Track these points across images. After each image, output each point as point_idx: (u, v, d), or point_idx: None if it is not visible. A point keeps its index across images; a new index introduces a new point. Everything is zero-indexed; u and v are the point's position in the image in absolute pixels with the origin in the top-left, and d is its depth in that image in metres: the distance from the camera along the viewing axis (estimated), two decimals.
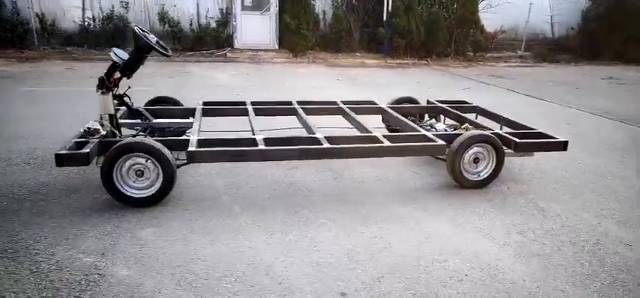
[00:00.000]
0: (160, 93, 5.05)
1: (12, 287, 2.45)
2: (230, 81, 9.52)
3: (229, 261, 2.73)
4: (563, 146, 4.00)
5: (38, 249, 2.81)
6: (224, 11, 14.72)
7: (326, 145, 3.61)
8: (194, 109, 4.71)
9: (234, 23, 14.75)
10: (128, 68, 3.66)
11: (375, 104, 5.27)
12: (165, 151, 3.35)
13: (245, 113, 4.84)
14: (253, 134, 3.90)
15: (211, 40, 14.39)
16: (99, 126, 3.57)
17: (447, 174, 4.06)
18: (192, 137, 3.63)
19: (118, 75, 3.63)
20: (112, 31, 13.90)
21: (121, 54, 3.67)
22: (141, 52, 3.66)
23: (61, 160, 3.20)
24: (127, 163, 3.32)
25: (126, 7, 14.08)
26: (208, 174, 4.06)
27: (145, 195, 3.39)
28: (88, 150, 3.27)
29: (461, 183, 3.91)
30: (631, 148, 5.41)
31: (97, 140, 3.49)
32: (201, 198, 3.60)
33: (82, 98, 7.23)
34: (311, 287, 2.51)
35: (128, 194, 3.36)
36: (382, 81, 10.12)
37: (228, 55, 13.64)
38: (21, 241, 2.89)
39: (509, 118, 4.75)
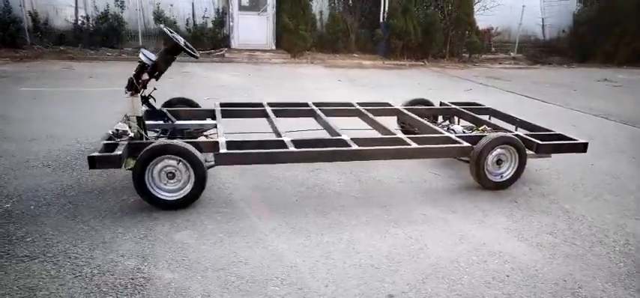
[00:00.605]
0: (163, 95, 5.01)
1: (58, 291, 2.43)
2: (231, 81, 9.49)
3: (271, 264, 2.74)
4: (583, 147, 4.09)
5: (77, 253, 2.78)
6: (220, 11, 14.65)
7: (355, 147, 3.64)
8: (212, 111, 4.70)
9: (231, 23, 14.70)
10: (157, 69, 3.63)
11: (391, 106, 5.31)
12: (198, 153, 3.34)
13: (263, 114, 4.85)
14: (279, 136, 3.91)
15: (208, 40, 14.31)
16: (127, 128, 3.54)
17: (466, 175, 4.12)
18: (221, 139, 3.62)
19: (146, 76, 3.60)
20: (106, 30, 13.74)
21: (149, 55, 3.64)
22: (170, 53, 3.64)
23: (93, 162, 3.17)
24: (159, 165, 3.31)
25: (121, 6, 13.93)
26: (232, 175, 4.05)
27: (176, 198, 3.38)
28: (120, 153, 3.24)
29: (483, 184, 3.97)
30: (637, 149, 5.53)
31: (125, 142, 3.46)
32: (230, 200, 3.59)
33: (86, 99, 7.16)
34: (358, 289, 2.53)
35: (160, 196, 3.35)
36: (383, 83, 10.18)
37: (226, 55, 13.58)
38: (58, 245, 2.86)
39: (525, 120, 4.82)
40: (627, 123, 6.93)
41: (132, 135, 3.55)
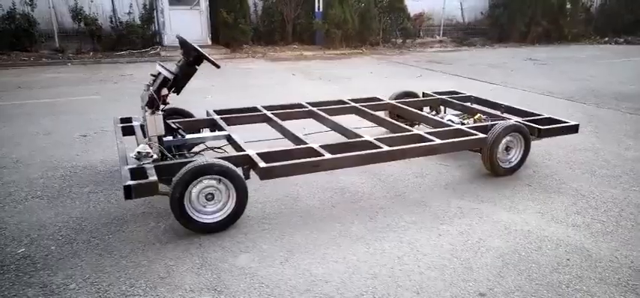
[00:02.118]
0: (115, 102, 4.68)
1: None
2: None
3: (352, 277, 2.69)
4: (575, 129, 4.46)
5: (139, 294, 2.53)
6: (147, 6, 13.77)
7: (386, 148, 3.65)
8: (211, 120, 4.46)
9: (161, 19, 13.90)
10: (178, 83, 3.36)
11: (382, 100, 5.39)
12: (238, 171, 3.16)
13: (264, 119, 4.70)
14: (299, 142, 3.81)
15: (137, 38, 13.42)
16: (150, 150, 3.25)
17: (471, 164, 4.34)
18: (251, 151, 3.45)
19: (165, 91, 3.31)
20: (14, 32, 12.35)
21: (168, 67, 3.35)
22: (193, 64, 3.37)
23: (129, 192, 2.87)
24: (198, 187, 3.08)
25: (31, 4, 12.59)
26: (254, 189, 3.87)
27: (217, 220, 3.18)
28: (155, 178, 2.97)
29: (496, 171, 4.19)
30: (595, 123, 6.14)
31: (150, 165, 3.17)
32: (267, 215, 3.45)
33: (31, 115, 6.41)
34: (448, 292, 2.57)
35: (201, 220, 3.13)
36: (337, 74, 10.25)
37: (162, 54, 12.83)
38: (111, 288, 2.57)
39: (509, 105, 5.14)
40: (571, 100, 7.65)
41: (155, 156, 3.26)
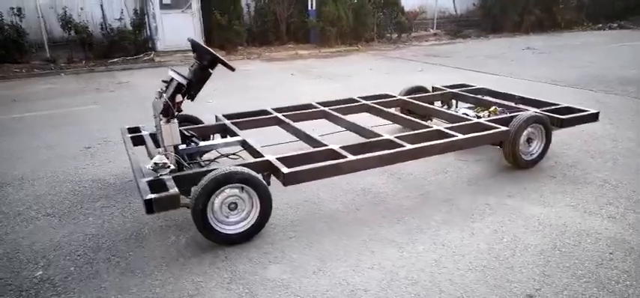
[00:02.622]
0: (115, 112, 4.52)
1: None
2: None
3: (391, 285, 2.57)
4: (595, 117, 4.37)
5: None
6: (138, 11, 13.54)
7: (408, 146, 3.53)
8: (222, 125, 4.31)
9: (153, 24, 13.65)
10: (192, 88, 3.20)
11: (394, 96, 5.27)
12: (261, 178, 3.03)
13: (275, 122, 4.56)
14: (315, 144, 3.68)
15: (130, 45, 13.19)
16: (167, 160, 3.09)
17: (489, 157, 4.25)
18: (270, 156, 3.31)
19: (180, 98, 3.16)
20: (3, 43, 12.07)
21: (181, 72, 3.20)
22: (206, 68, 3.22)
23: (151, 206, 2.72)
24: (220, 197, 2.94)
25: (19, 14, 12.31)
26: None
27: (241, 230, 3.04)
28: (177, 190, 2.82)
29: (518, 164, 4.09)
30: (605, 110, 6.04)
31: (168, 176, 3.02)
32: (291, 221, 3.32)
33: (29, 128, 6.21)
34: (495, 294, 2.46)
35: (225, 231, 2.99)
36: (337, 72, 10.11)
37: (156, 59, 12.61)
38: None
39: (522, 96, 5.05)
40: (576, 87, 7.58)
41: (172, 167, 3.11)
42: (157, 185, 2.96)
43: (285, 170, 3.09)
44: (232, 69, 3.31)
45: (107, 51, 13.12)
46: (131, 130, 4.19)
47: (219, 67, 3.30)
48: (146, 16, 13.66)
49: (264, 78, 9.71)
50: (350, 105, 4.96)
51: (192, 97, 3.23)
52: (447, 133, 3.83)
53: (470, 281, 2.57)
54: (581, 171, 4.07)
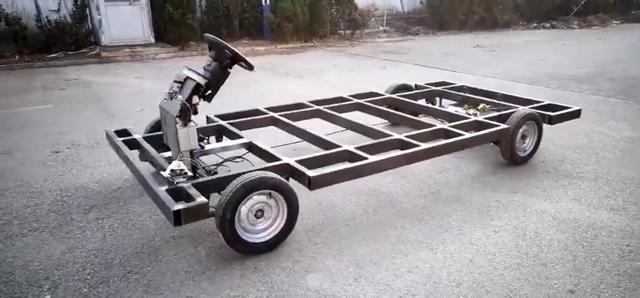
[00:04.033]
0: (76, 112, 4.24)
1: None
2: (145, 86, 8.30)
3: (437, 287, 2.54)
4: (578, 114, 4.61)
5: None
6: (78, 3, 12.62)
7: (423, 146, 3.53)
8: (218, 126, 4.09)
9: (97, 17, 12.78)
10: (211, 89, 2.99)
11: (382, 95, 5.27)
12: (289, 183, 2.90)
13: (270, 122, 4.41)
14: (327, 146, 3.60)
15: (71, 38, 12.27)
16: (184, 167, 2.87)
17: (485, 155, 4.36)
18: (289, 159, 3.18)
19: (196, 99, 2.94)
20: None
21: (197, 71, 2.98)
22: (226, 67, 3.01)
23: (179, 218, 2.51)
24: (247, 204, 2.78)
25: None
26: None
27: (268, 238, 2.89)
28: (205, 199, 2.63)
29: (514, 160, 4.22)
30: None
31: (187, 183, 2.81)
32: (313, 227, 3.22)
33: None
34: (540, 293, 2.51)
35: (253, 241, 2.83)
36: (302, 68, 10.00)
37: (103, 54, 11.82)
38: None
39: (505, 93, 5.24)
40: (537, 85, 8.01)
41: (190, 173, 2.90)
42: (176, 193, 2.75)
43: (310, 173, 2.97)
44: (252, 68, 3.13)
45: (44, 45, 12.11)
46: (120, 133, 3.87)
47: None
48: (88, 8, 12.77)
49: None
50: (342, 104, 4.89)
51: (209, 99, 3.02)
52: (453, 132, 3.87)
53: (511, 280, 2.61)
54: (571, 165, 4.28)
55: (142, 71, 9.92)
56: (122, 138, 3.72)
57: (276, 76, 9.19)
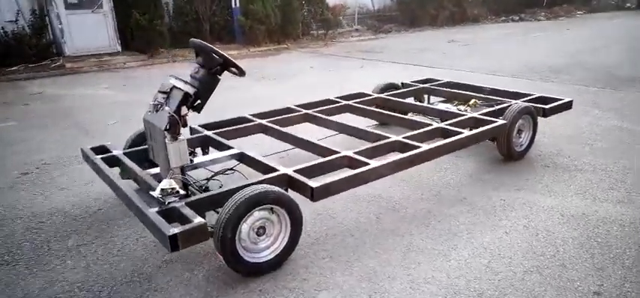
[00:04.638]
0: (43, 129, 3.97)
1: None
2: (114, 97, 7.89)
3: (458, 294, 2.39)
4: (570, 105, 4.57)
5: None
6: (36, 12, 12.00)
7: (425, 147, 3.38)
8: (203, 137, 3.84)
9: (58, 26, 12.19)
10: (200, 99, 2.74)
11: (371, 95, 5.11)
12: (292, 197, 2.69)
13: (259, 129, 4.19)
14: (323, 153, 3.40)
15: (31, 50, 11.64)
16: (175, 184, 2.63)
17: (479, 152, 4.27)
18: (287, 169, 2.97)
19: (185, 110, 2.69)
20: None
21: (184, 79, 2.73)
22: (216, 74, 2.78)
23: (176, 243, 2.26)
24: (249, 221, 2.55)
25: None
26: None
27: (272, 257, 2.68)
28: (203, 220, 2.39)
29: (511, 156, 4.14)
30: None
31: (177, 203, 2.56)
32: (316, 239, 3.02)
33: None
34: (563, 295, 2.38)
35: (254, 260, 2.61)
36: (279, 72, 9.76)
37: (67, 65, 11.26)
38: None
39: (493, 88, 5.17)
40: (516, 77, 8.02)
41: (183, 192, 2.65)
42: (168, 214, 2.50)
43: (313, 184, 2.77)
44: (243, 73, 2.90)
45: (1, 58, 11.46)
46: (97, 150, 3.56)
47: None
48: (47, 18, 12.17)
49: None
50: (331, 107, 4.70)
51: (198, 109, 2.77)
52: (451, 130, 3.74)
53: (533, 285, 2.48)
54: (568, 158, 4.22)
55: (110, 81, 9.47)
56: (101, 156, 3.42)
57: (253, 81, 8.91)
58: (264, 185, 2.61)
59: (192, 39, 2.87)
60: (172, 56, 12.49)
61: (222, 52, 2.76)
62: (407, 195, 3.61)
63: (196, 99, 2.72)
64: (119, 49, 12.79)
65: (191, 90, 2.66)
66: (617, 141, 4.59)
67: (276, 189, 2.60)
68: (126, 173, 3.35)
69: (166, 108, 2.67)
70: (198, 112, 2.81)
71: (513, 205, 3.37)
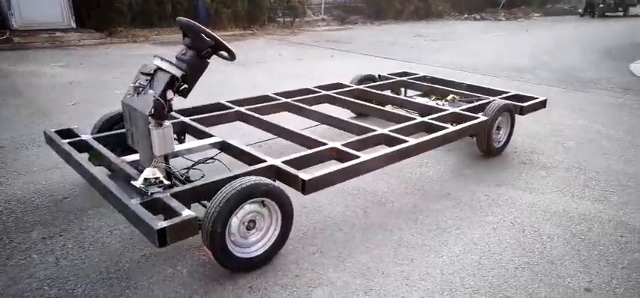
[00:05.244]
0: None
1: None
2: (72, 76, 7.42)
3: (455, 295, 2.35)
4: (544, 104, 4.67)
5: None
6: None
7: (413, 141, 3.34)
8: (180, 123, 3.63)
9: None
10: (187, 82, 2.55)
11: (349, 86, 5.03)
12: (284, 189, 2.57)
13: (237, 117, 4.03)
14: (316, 144, 3.29)
15: None
16: (160, 175, 2.44)
17: (459, 148, 4.30)
18: (275, 160, 2.84)
19: (171, 94, 2.50)
20: None
21: (170, 61, 2.53)
22: (205, 57, 2.59)
23: (164, 237, 2.10)
24: (239, 214, 2.41)
25: None
26: None
27: (262, 252, 2.55)
28: (193, 213, 2.23)
29: (490, 152, 4.18)
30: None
31: (161, 193, 2.39)
32: (305, 234, 2.91)
33: None
34: (556, 292, 2.40)
35: (244, 255, 2.48)
36: (248, 58, 9.48)
37: (15, 39, 10.49)
38: None
39: (470, 83, 5.22)
40: (484, 74, 8.19)
41: (168, 182, 2.48)
42: (152, 206, 2.32)
43: (305, 176, 2.65)
44: (234, 57, 2.73)
45: None
46: (63, 134, 3.29)
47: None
48: None
49: None
50: (311, 97, 4.59)
51: (185, 94, 2.58)
52: (435, 125, 3.72)
53: (526, 282, 2.48)
54: (543, 155, 4.31)
55: (65, 59, 8.91)
56: (68, 140, 3.16)
57: (220, 66, 8.61)
58: (255, 176, 2.46)
59: (179, 17, 2.66)
60: (132, 36, 11.93)
61: (213, 34, 2.58)
62: (392, 189, 3.56)
63: (183, 82, 2.53)
64: (74, 25, 12.05)
65: (178, 73, 2.47)
66: (586, 141, 4.74)
67: (269, 181, 2.47)
68: (96, 159, 3.11)
69: (150, 91, 2.46)
70: (185, 97, 2.61)
71: (497, 201, 3.39)
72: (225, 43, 2.60)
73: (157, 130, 2.45)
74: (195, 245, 2.65)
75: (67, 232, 2.85)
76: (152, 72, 2.55)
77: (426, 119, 3.83)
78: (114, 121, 3.49)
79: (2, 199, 3.28)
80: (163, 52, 9.50)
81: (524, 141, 4.67)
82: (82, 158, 2.90)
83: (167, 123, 2.50)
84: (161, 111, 2.43)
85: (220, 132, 3.38)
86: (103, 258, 2.60)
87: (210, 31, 2.57)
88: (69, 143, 3.11)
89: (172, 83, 2.47)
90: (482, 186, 3.63)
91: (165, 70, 2.47)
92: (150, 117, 2.44)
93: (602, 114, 5.73)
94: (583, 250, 2.79)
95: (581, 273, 2.57)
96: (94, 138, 3.23)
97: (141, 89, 2.54)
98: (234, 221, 2.39)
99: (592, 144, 4.62)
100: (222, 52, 2.65)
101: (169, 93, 2.49)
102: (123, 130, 3.38)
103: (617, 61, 9.68)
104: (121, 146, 3.29)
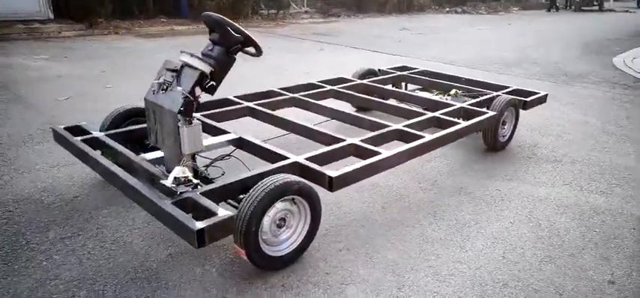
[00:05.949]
0: None
1: None
2: (58, 69, 7.19)
3: (485, 290, 2.39)
4: (545, 99, 4.77)
5: None
6: None
7: (428, 137, 3.36)
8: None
9: None
10: (214, 79, 2.50)
11: (353, 81, 5.04)
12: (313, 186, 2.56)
13: (246, 112, 3.99)
14: (335, 139, 3.29)
15: None
16: (188, 173, 2.40)
17: (464, 143, 4.31)
18: (298, 158, 2.82)
19: (199, 92, 2.45)
20: None
21: (199, 57, 2.48)
22: (233, 53, 2.54)
23: (202, 238, 2.07)
24: (271, 212, 2.40)
25: None
26: None
27: (291, 250, 2.54)
28: (229, 213, 2.20)
29: (495, 146, 4.25)
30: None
31: (191, 192, 2.35)
32: (328, 230, 2.91)
33: None
34: (582, 284, 2.47)
35: (275, 254, 2.47)
36: None
37: None
38: None
39: (469, 78, 5.29)
40: (476, 68, 8.30)
41: (196, 181, 2.44)
42: (182, 206, 2.28)
43: (332, 173, 2.65)
44: (261, 53, 2.69)
45: None
46: (73, 130, 3.19)
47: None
48: None
49: (159, 57, 8.50)
50: (316, 91, 4.57)
51: (211, 91, 2.52)
52: (447, 121, 3.76)
53: (551, 275, 2.54)
54: (547, 149, 4.41)
55: (47, 52, 8.63)
56: (81, 138, 3.06)
57: None
58: (285, 174, 2.45)
59: (207, 13, 2.61)
60: (114, 27, 11.63)
61: (242, 29, 2.53)
62: (405, 184, 3.58)
63: (211, 79, 2.48)
64: (51, 15, 11.68)
65: (208, 70, 2.42)
66: (585, 134, 4.86)
67: (299, 179, 2.46)
68: (110, 157, 3.02)
69: (178, 88, 2.41)
70: (212, 94, 2.56)
71: (510, 196, 3.46)
72: (254, 38, 2.56)
73: (186, 128, 2.40)
74: (219, 243, 2.61)
75: (84, 232, 2.78)
76: (178, 68, 2.49)
77: (437, 114, 3.86)
78: (124, 117, 3.41)
79: (10, 199, 3.17)
80: (154, 46, 9.30)
81: (525, 136, 4.76)
82: (99, 156, 2.82)
83: (196, 120, 2.45)
84: (191, 108, 2.38)
85: (226, 128, 3.35)
86: (127, 258, 2.54)
87: (239, 26, 2.53)
88: (82, 140, 3.02)
89: (202, 80, 2.42)
90: (494, 181, 3.69)
91: (193, 66, 2.42)
92: (179, 115, 2.38)
93: (594, 108, 5.89)
94: (600, 243, 2.87)
95: (602, 266, 2.64)
96: (106, 135, 3.14)
97: (166, 86, 2.48)
98: (266, 219, 2.37)
99: (591, 139, 4.75)
100: (250, 49, 2.60)
101: (198, 91, 2.44)
102: (135, 127, 3.33)
103: (600, 55, 9.95)
104: (133, 143, 3.23)
